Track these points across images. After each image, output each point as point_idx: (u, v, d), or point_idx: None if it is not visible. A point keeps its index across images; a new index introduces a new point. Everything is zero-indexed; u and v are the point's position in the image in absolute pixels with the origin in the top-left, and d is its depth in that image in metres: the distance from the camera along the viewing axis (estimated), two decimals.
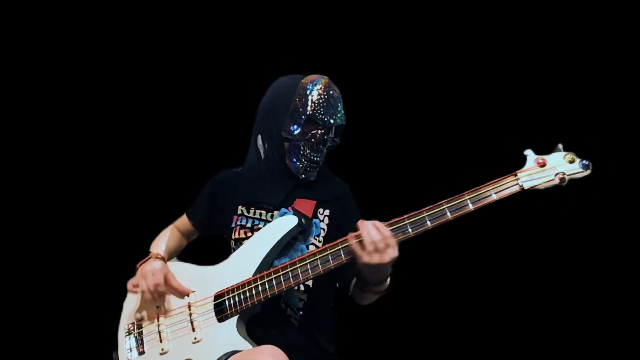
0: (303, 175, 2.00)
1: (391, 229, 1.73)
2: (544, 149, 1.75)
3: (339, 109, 2.00)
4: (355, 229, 1.78)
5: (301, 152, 1.98)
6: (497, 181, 1.73)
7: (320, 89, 1.98)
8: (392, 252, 1.71)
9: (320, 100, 1.97)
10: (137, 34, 3.14)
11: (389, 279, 1.86)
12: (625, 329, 2.82)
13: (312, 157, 1.98)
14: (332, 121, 1.98)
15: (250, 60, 3.05)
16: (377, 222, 1.74)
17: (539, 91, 2.83)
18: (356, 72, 2.98)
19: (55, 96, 3.18)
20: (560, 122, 2.64)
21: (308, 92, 1.98)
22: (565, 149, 1.74)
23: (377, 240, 1.70)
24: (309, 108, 1.96)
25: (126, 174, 3.16)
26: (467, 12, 2.94)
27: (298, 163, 1.99)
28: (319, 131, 1.97)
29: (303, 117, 1.97)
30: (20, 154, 3.16)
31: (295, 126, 1.98)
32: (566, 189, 1.70)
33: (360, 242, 1.72)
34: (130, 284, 2.02)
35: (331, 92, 1.99)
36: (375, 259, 1.70)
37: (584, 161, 1.70)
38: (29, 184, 3.16)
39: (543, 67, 2.84)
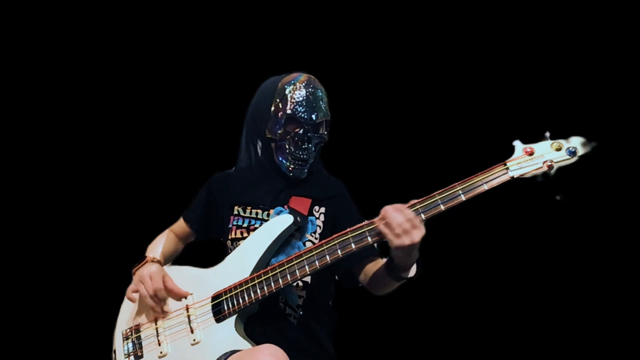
0: (292, 174, 2.02)
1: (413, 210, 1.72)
2: (532, 138, 1.78)
3: (319, 105, 2.00)
4: (354, 222, 1.81)
5: (287, 151, 2.01)
6: (487, 171, 1.75)
7: (299, 87, 2.00)
8: (420, 231, 1.69)
9: (299, 99, 1.99)
10: (130, 41, 3.16)
11: (415, 265, 1.82)
12: (620, 325, 2.82)
13: (298, 155, 2.00)
14: (313, 118, 1.99)
15: (243, 62, 3.07)
16: (398, 205, 1.73)
17: (526, 81, 2.85)
18: (345, 65, 3.00)
19: (52, 103, 3.18)
20: (548, 111, 2.67)
21: (287, 91, 2.01)
22: (552, 138, 1.78)
23: (402, 221, 1.69)
24: (288, 107, 1.99)
25: (122, 179, 3.16)
26: (454, 5, 2.96)
27: (285, 162, 2.02)
28: (301, 129, 1.99)
29: (284, 116, 1.99)
30: (16, 160, 3.16)
31: (278, 126, 2.01)
32: (557, 177, 1.73)
33: (389, 226, 1.70)
34: (129, 291, 2.01)
35: (310, 89, 2.00)
36: (406, 240, 1.68)
37: (571, 148, 1.74)
38: (27, 190, 3.15)
39: (530, 58, 2.86)
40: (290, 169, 2.01)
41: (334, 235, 1.81)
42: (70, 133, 3.19)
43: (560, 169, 1.72)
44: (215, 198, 2.12)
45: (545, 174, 1.72)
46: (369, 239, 1.76)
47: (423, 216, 1.73)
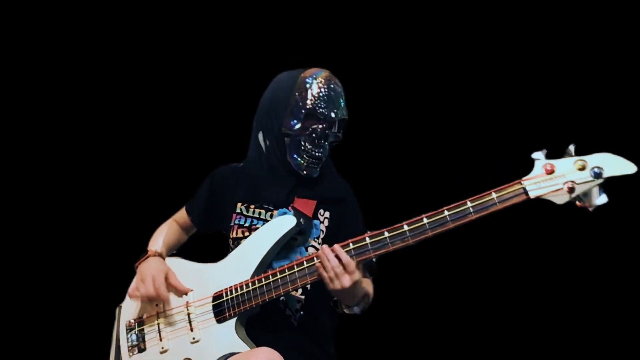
0: (305, 172, 1.96)
1: (346, 250, 1.72)
2: (553, 151, 1.63)
3: (340, 102, 1.96)
4: (357, 233, 1.77)
5: (302, 147, 1.94)
6: (501, 188, 1.63)
7: (321, 82, 1.95)
8: (351, 278, 1.70)
9: (321, 94, 1.93)
10: (137, 31, 3.10)
11: (365, 298, 1.84)
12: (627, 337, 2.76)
13: (313, 153, 1.94)
14: (332, 115, 1.94)
15: (252, 55, 3.00)
16: (336, 247, 1.72)
17: (549, 90, 2.71)
18: (362, 73, 2.92)
19: (53, 94, 3.16)
20: (571, 121, 2.52)
21: (308, 85, 1.94)
22: (577, 152, 1.61)
23: (334, 265, 1.70)
24: (308, 102, 1.93)
25: (126, 170, 3.14)
26: (474, 12, 2.86)
27: (299, 159, 1.95)
28: (320, 126, 1.93)
29: (303, 111, 1.93)
30: (18, 153, 3.16)
31: (295, 121, 1.94)
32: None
33: (324, 269, 1.72)
34: (131, 289, 2.00)
35: (332, 85, 1.95)
36: (336, 284, 1.71)
37: (596, 169, 1.57)
38: (28, 183, 3.16)
39: (554, 66, 2.71)
40: (303, 166, 1.95)
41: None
42: (73, 123, 3.16)
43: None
44: (217, 193, 2.07)
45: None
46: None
47: (430, 232, 1.67)
